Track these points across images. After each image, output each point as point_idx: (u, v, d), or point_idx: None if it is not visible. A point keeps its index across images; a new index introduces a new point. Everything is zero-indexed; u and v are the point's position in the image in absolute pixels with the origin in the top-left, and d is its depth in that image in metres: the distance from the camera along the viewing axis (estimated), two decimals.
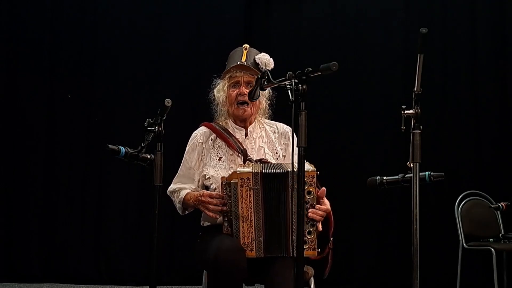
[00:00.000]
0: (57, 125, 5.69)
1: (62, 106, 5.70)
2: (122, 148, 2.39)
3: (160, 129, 2.37)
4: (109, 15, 5.80)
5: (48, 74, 5.72)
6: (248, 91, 2.66)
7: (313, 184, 2.40)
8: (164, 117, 2.39)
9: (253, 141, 2.77)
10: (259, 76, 2.42)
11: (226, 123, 2.82)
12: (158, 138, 2.38)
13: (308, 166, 2.42)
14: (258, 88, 2.45)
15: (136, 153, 2.39)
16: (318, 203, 2.45)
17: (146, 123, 2.38)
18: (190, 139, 2.82)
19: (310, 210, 2.40)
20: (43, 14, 5.75)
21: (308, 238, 2.39)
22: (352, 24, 5.79)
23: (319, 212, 2.43)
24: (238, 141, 2.73)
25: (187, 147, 2.81)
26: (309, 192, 2.39)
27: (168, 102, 2.35)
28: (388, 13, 5.76)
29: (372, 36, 5.75)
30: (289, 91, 2.15)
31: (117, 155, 2.38)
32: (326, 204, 2.50)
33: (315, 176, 2.41)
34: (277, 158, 2.74)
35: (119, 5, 5.81)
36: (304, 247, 2.35)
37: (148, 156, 2.40)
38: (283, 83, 2.21)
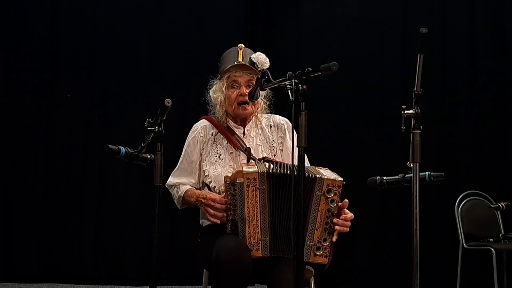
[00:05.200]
0: (56, 124, 5.69)
1: (62, 106, 5.70)
2: (122, 148, 2.37)
3: (160, 129, 2.36)
4: (109, 15, 5.80)
5: (48, 74, 5.72)
6: (248, 91, 2.63)
7: (337, 194, 2.38)
8: (164, 117, 2.37)
9: (250, 140, 2.73)
10: (259, 76, 2.39)
11: (225, 122, 2.78)
12: (158, 138, 2.36)
13: (334, 175, 2.41)
14: (258, 88, 2.44)
15: (136, 153, 2.38)
16: (339, 213, 2.42)
17: (146, 123, 2.37)
18: (190, 131, 2.78)
19: (334, 220, 2.38)
20: (43, 14, 5.74)
21: (323, 245, 2.36)
22: (352, 24, 5.79)
23: (346, 223, 2.42)
24: (241, 139, 2.70)
25: (188, 140, 2.76)
26: (332, 201, 2.36)
27: (168, 102, 2.34)
28: (387, 13, 5.76)
29: (372, 36, 5.75)
30: (289, 91, 2.14)
31: (117, 155, 2.37)
32: (349, 216, 2.46)
33: (341, 186, 2.38)
34: (274, 155, 2.71)
35: (118, 5, 5.81)
36: (317, 253, 2.35)
37: (148, 156, 2.39)
38: (283, 83, 2.20)
